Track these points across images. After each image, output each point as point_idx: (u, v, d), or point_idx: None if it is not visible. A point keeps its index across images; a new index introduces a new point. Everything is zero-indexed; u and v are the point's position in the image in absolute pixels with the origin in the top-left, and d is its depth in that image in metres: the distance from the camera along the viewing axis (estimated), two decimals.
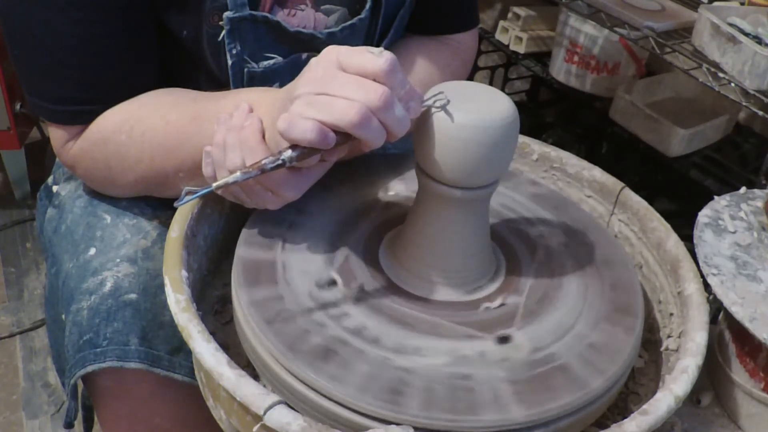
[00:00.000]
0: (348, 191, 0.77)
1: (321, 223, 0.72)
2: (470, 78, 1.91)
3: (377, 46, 0.84)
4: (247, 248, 0.68)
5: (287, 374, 0.58)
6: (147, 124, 0.71)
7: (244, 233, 0.70)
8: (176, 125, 0.70)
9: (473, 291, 0.67)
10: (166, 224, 0.77)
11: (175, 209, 0.68)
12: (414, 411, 0.54)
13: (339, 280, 0.65)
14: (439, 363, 0.59)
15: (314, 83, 0.58)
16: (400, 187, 0.79)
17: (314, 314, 0.62)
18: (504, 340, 0.62)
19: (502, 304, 0.65)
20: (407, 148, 0.85)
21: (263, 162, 0.58)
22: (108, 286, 0.70)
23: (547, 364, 0.59)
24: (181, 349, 0.72)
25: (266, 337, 0.59)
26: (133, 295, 0.70)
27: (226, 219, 0.75)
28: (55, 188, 0.87)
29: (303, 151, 0.58)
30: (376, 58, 0.57)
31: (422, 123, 0.61)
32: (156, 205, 0.79)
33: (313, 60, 0.60)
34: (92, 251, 0.74)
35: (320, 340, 0.59)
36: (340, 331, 0.60)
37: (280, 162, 0.58)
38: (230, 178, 0.58)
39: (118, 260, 0.72)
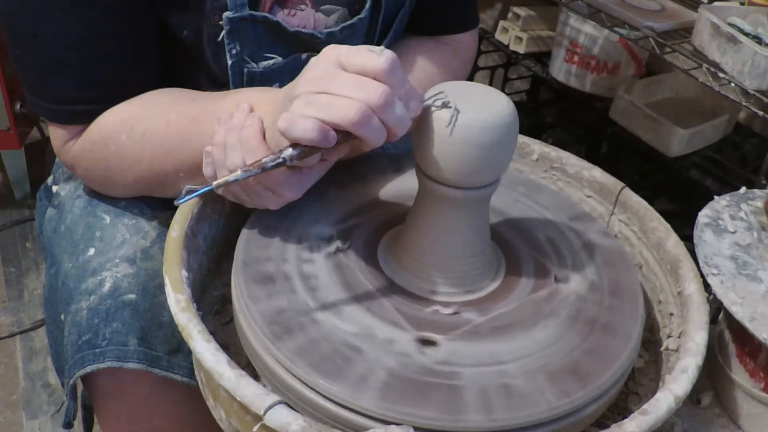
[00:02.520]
0: (348, 191, 0.77)
1: (321, 223, 0.72)
2: (470, 78, 1.91)
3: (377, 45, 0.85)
4: (248, 250, 0.68)
5: (307, 389, 0.57)
6: (147, 125, 0.71)
7: (244, 233, 0.70)
8: (176, 126, 0.70)
9: (476, 290, 0.67)
10: (165, 224, 0.77)
11: (174, 210, 0.68)
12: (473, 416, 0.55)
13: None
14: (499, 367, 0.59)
15: (314, 82, 0.58)
16: (400, 187, 0.79)
17: (322, 321, 0.61)
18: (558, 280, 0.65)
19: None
20: (407, 148, 0.85)
21: (264, 160, 0.58)
22: (107, 286, 0.70)
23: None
24: (179, 349, 0.72)
25: (276, 348, 0.58)
26: (132, 296, 0.70)
27: (227, 219, 0.75)
28: (54, 188, 0.87)
29: (303, 149, 0.58)
30: (376, 57, 0.57)
31: (422, 123, 0.61)
32: (155, 206, 0.79)
33: (313, 59, 0.60)
34: (91, 251, 0.74)
35: (382, 371, 0.57)
36: (394, 356, 0.59)
37: (280, 160, 0.58)
38: (231, 177, 0.58)
39: (117, 260, 0.72)
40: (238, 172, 0.58)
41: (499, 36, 1.83)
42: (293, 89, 0.59)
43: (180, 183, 0.71)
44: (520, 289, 0.68)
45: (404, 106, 0.58)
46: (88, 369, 0.69)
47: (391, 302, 0.64)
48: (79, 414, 0.79)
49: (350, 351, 0.59)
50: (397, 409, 0.54)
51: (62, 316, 0.74)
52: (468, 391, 0.56)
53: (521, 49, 1.78)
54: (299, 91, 0.58)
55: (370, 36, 0.85)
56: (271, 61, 0.78)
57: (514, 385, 0.57)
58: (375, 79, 0.57)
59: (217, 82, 0.78)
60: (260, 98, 0.67)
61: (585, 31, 1.59)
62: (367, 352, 0.59)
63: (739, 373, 0.73)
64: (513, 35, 1.78)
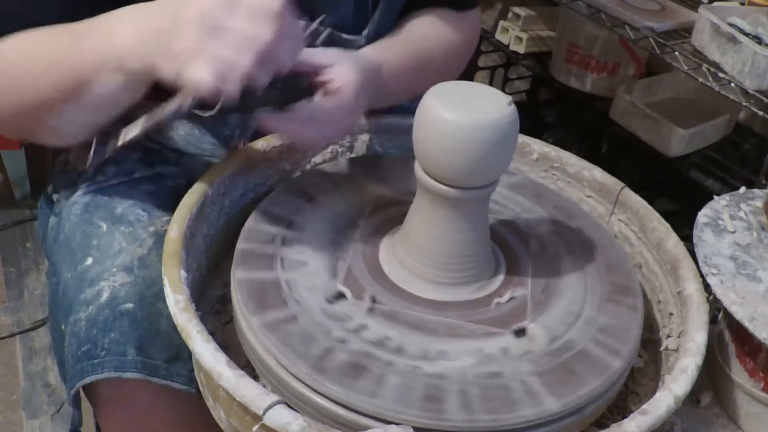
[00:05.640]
0: (348, 192, 0.77)
1: (321, 223, 0.72)
2: (470, 78, 1.91)
3: (374, 8, 0.85)
4: (248, 251, 0.68)
5: (315, 394, 0.57)
6: (35, 47, 0.69)
7: (244, 234, 0.70)
8: (54, 42, 0.68)
9: (478, 289, 0.67)
10: (161, 232, 0.76)
11: (171, 215, 0.68)
12: (455, 416, 0.55)
13: (347, 292, 0.64)
14: (467, 365, 0.59)
15: (204, 17, 0.58)
16: (400, 187, 0.79)
17: (332, 330, 0.61)
18: (521, 333, 0.63)
19: (511, 298, 0.67)
20: (407, 148, 0.85)
21: (162, 114, 0.60)
22: (105, 296, 0.70)
23: (568, 352, 0.61)
24: (178, 356, 0.71)
25: (289, 360, 0.57)
26: (129, 305, 0.70)
27: (226, 218, 0.76)
28: (55, 196, 0.87)
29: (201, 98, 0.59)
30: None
31: (422, 122, 0.61)
32: (152, 212, 0.78)
33: None
34: (89, 261, 0.73)
35: (346, 357, 0.58)
36: (362, 344, 0.60)
37: (175, 110, 0.60)
38: (130, 133, 0.61)
39: (115, 270, 0.72)
40: (138, 127, 0.61)
41: (499, 36, 1.83)
42: (180, 12, 0.59)
43: (62, 107, 0.69)
44: (518, 290, 0.68)
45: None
46: (88, 380, 0.68)
47: (392, 302, 0.64)
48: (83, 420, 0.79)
49: (351, 353, 0.58)
50: (391, 407, 0.54)
51: (63, 327, 0.74)
52: (399, 383, 0.57)
53: (521, 49, 1.78)
54: (188, 27, 0.58)
55: None
56: None
57: (507, 386, 0.58)
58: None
59: None
60: (140, 21, 0.64)
61: (585, 31, 1.59)
62: (395, 363, 0.59)
63: (738, 373, 0.73)
64: (513, 35, 1.78)
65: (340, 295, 0.64)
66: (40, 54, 0.69)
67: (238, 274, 0.64)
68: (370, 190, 0.78)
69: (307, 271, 0.66)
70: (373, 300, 0.64)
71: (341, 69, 0.71)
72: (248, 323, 0.61)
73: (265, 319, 0.60)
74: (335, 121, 0.72)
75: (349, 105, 0.71)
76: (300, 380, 0.57)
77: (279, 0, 0.58)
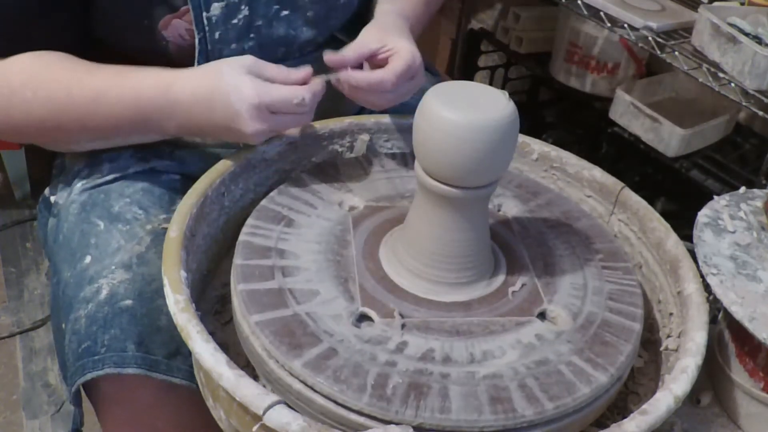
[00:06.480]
0: (348, 193, 0.77)
1: (321, 225, 0.72)
2: (470, 78, 1.91)
3: None
4: (247, 254, 0.68)
5: (383, 424, 0.55)
6: (51, 91, 0.74)
7: (244, 235, 0.70)
8: (78, 102, 0.74)
9: (491, 282, 0.68)
10: (159, 229, 0.76)
11: (169, 213, 0.68)
12: (527, 411, 0.55)
13: (372, 313, 0.63)
14: (515, 358, 0.60)
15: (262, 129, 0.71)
16: (400, 187, 0.79)
17: (376, 355, 0.59)
18: (543, 315, 0.65)
19: (523, 285, 0.68)
20: (408, 148, 0.85)
21: None
22: (104, 293, 0.70)
23: (593, 325, 0.64)
24: (178, 352, 0.71)
25: (348, 396, 0.55)
26: (129, 302, 0.70)
27: (226, 218, 0.75)
28: (52, 198, 0.87)
29: None
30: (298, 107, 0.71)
31: (422, 122, 0.61)
32: (148, 210, 0.79)
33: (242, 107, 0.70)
34: (88, 259, 0.73)
35: (401, 378, 0.57)
36: (411, 362, 0.59)
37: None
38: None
39: (113, 267, 0.72)
40: None
41: (499, 36, 1.83)
42: (236, 123, 0.70)
43: (82, 139, 0.79)
44: (524, 275, 0.69)
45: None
46: (88, 376, 0.68)
47: (394, 303, 0.64)
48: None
49: (404, 373, 0.58)
50: (463, 417, 0.55)
51: (64, 326, 0.74)
52: (462, 392, 0.56)
53: (521, 49, 1.78)
54: (248, 138, 0.72)
55: None
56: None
57: (558, 370, 0.59)
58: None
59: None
60: (180, 83, 0.72)
61: (585, 31, 1.59)
62: (418, 369, 0.58)
63: (738, 373, 0.73)
64: (513, 35, 1.78)
65: (365, 317, 0.63)
66: (73, 108, 0.75)
67: (254, 318, 0.61)
68: (371, 191, 0.78)
69: (321, 299, 0.64)
70: (401, 315, 0.63)
71: (392, 40, 0.79)
72: (288, 367, 0.58)
73: (304, 359, 0.58)
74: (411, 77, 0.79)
75: (414, 64, 0.79)
76: (365, 414, 0.55)
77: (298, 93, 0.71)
